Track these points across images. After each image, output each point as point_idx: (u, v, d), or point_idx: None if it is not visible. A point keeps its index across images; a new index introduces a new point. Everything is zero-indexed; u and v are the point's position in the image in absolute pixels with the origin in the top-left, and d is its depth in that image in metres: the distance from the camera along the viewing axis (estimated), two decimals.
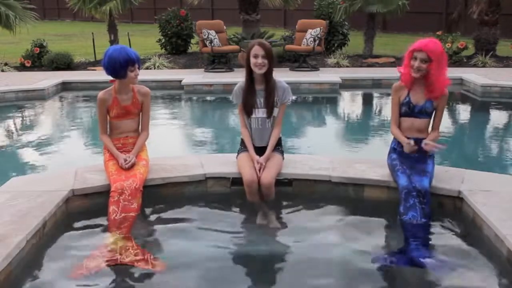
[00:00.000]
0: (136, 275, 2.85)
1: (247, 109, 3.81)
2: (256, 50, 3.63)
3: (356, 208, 3.62)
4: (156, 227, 3.43)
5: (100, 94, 3.75)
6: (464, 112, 8.41)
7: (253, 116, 3.81)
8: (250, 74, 3.75)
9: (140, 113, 3.87)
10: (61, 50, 11.82)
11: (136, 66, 3.64)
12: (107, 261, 2.93)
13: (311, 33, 10.48)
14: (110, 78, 3.72)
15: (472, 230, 3.25)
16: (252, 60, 3.66)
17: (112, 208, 3.32)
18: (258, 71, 3.67)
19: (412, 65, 3.49)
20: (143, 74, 9.97)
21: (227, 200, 3.75)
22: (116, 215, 3.29)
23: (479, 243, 3.10)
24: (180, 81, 9.38)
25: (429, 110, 3.60)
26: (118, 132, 3.83)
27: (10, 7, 10.83)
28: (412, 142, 3.54)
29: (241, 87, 3.83)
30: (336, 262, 2.97)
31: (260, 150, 3.81)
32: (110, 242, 3.11)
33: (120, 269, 2.88)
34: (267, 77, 3.74)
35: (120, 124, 3.81)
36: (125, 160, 3.63)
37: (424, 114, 3.61)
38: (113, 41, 12.30)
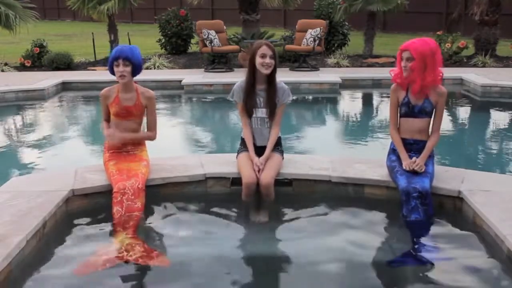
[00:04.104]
0: (141, 271, 2.87)
1: (248, 109, 3.81)
2: (264, 50, 3.63)
3: (356, 208, 3.62)
4: (157, 227, 3.43)
5: (103, 90, 3.82)
6: (464, 112, 8.40)
7: (254, 116, 3.83)
8: (253, 74, 3.75)
9: (144, 116, 3.87)
10: (61, 50, 11.80)
11: (120, 62, 3.59)
12: (113, 258, 2.94)
13: (311, 33, 10.48)
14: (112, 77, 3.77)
15: (472, 230, 3.25)
16: (259, 60, 3.65)
17: (116, 209, 3.33)
18: (264, 71, 3.67)
19: (402, 65, 3.51)
20: (143, 74, 10.00)
21: (227, 200, 3.75)
22: (120, 216, 3.29)
23: (479, 243, 3.10)
24: (180, 81, 9.37)
25: (428, 109, 3.59)
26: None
27: (10, 6, 10.79)
28: (409, 166, 3.48)
29: (241, 87, 3.83)
30: (336, 262, 2.97)
31: (260, 150, 3.81)
32: (116, 241, 3.12)
33: (126, 266, 2.89)
34: (271, 77, 3.74)
35: (121, 123, 3.81)
36: None
37: (424, 114, 3.60)
38: (113, 41, 12.27)
